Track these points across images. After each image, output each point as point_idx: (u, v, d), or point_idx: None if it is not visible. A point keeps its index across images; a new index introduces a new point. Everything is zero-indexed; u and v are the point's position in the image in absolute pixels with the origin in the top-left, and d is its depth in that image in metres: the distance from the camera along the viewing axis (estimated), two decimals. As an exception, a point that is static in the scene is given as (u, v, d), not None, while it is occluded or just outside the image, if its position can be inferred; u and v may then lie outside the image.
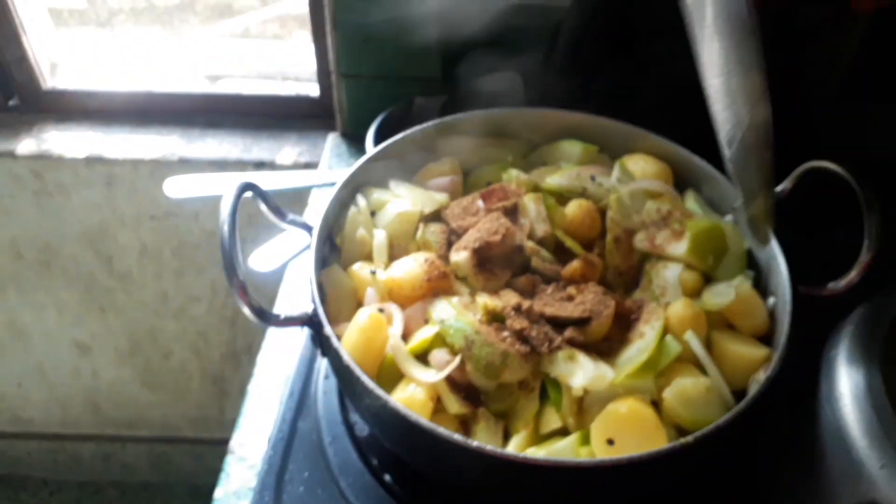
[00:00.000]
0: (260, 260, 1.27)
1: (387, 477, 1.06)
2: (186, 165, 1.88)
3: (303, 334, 1.28)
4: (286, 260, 1.27)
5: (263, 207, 1.01)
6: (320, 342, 0.94)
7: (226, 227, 0.85)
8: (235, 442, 1.26)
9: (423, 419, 0.83)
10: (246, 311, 0.87)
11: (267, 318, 0.89)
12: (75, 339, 2.30)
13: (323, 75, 1.88)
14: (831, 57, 1.50)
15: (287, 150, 1.90)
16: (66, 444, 2.63)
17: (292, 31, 2.09)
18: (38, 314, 2.24)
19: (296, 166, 1.87)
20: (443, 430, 0.82)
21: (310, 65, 1.90)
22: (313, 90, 1.96)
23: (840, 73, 1.51)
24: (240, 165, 1.87)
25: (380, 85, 1.70)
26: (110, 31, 2.09)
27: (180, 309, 2.22)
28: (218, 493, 1.17)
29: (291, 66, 2.03)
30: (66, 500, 2.69)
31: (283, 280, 1.47)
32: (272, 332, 1.42)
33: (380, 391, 0.85)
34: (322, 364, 1.21)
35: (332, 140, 1.83)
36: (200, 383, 2.42)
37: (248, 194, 0.97)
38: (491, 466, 0.84)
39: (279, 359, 1.32)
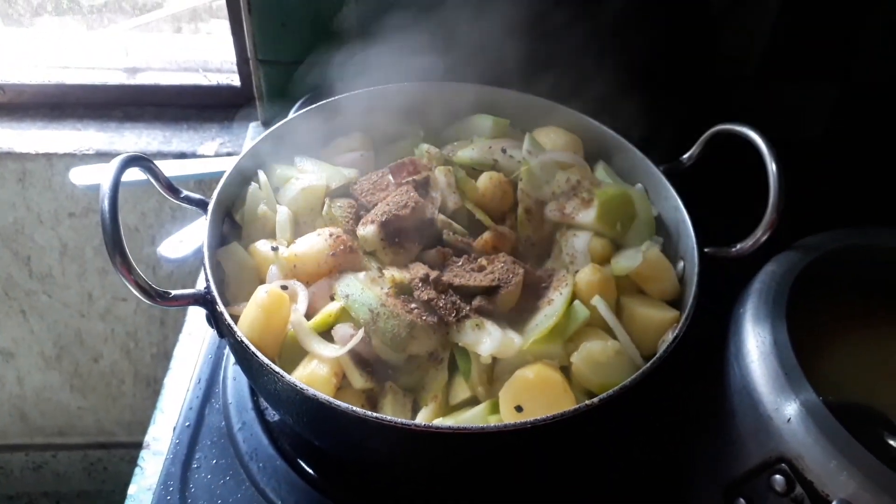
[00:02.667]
0: (171, 247, 1.23)
1: (300, 462, 1.02)
2: (104, 159, 1.81)
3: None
4: (197, 246, 1.22)
5: (155, 184, 0.96)
6: (214, 320, 0.91)
7: (106, 202, 0.81)
8: (150, 436, 1.22)
9: (321, 393, 0.80)
10: (132, 289, 0.83)
11: (155, 295, 0.85)
12: (-4, 345, 2.22)
13: (242, 63, 1.84)
14: (746, 37, 1.52)
15: (209, 141, 1.85)
16: (-7, 456, 2.53)
17: (210, 22, 2.03)
18: (-47, 321, 2.15)
19: (218, 157, 1.82)
20: (340, 403, 0.79)
21: (230, 55, 1.85)
22: (235, 80, 1.91)
23: (755, 53, 1.53)
24: (160, 157, 1.81)
25: (300, 71, 1.67)
26: (29, 28, 2.01)
27: (107, 310, 2.15)
28: (132, 489, 1.13)
29: (212, 57, 1.98)
30: (-4, 515, 2.60)
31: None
32: (189, 323, 1.38)
33: (275, 367, 0.81)
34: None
35: (254, 129, 1.79)
36: (133, 386, 2.34)
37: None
38: (393, 438, 0.81)
39: (194, 348, 1.28)
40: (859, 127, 1.51)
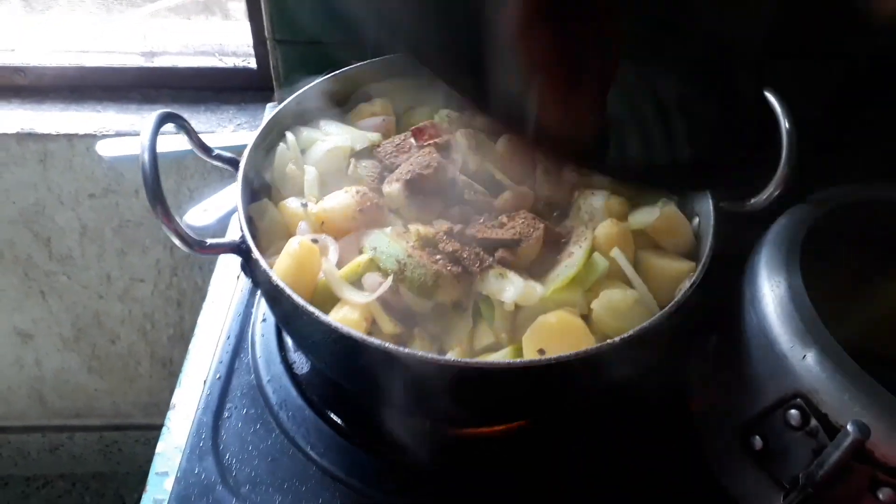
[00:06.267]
0: (196, 215, 1.26)
1: (327, 412, 1.06)
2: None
3: (241, 285, 1.28)
4: (223, 214, 1.26)
5: (188, 141, 1.00)
6: (250, 269, 0.94)
7: (147, 155, 0.85)
8: (177, 398, 1.25)
9: (356, 331, 0.83)
10: (172, 237, 0.87)
11: (193, 244, 0.88)
12: (16, 326, 2.24)
13: (259, 45, 1.87)
14: (752, 15, 1.54)
15: (226, 122, 1.89)
16: (10, 437, 2.55)
17: (225, 5, 2.07)
18: (-27, 303, 2.18)
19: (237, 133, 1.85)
20: (375, 340, 0.82)
21: (245, 39, 1.89)
22: (251, 63, 1.95)
23: (762, 31, 1.56)
24: (178, 138, 1.85)
25: (316, 51, 1.69)
26: (45, 12, 2.04)
27: (125, 291, 2.18)
28: (160, 447, 1.16)
29: (228, 41, 2.01)
30: (13, 496, 2.61)
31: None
32: (211, 292, 1.41)
33: (310, 307, 0.85)
34: (259, 310, 1.21)
35: (271, 110, 1.81)
36: (150, 367, 2.38)
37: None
38: (424, 375, 0.84)
39: (218, 316, 1.31)
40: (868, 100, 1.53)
